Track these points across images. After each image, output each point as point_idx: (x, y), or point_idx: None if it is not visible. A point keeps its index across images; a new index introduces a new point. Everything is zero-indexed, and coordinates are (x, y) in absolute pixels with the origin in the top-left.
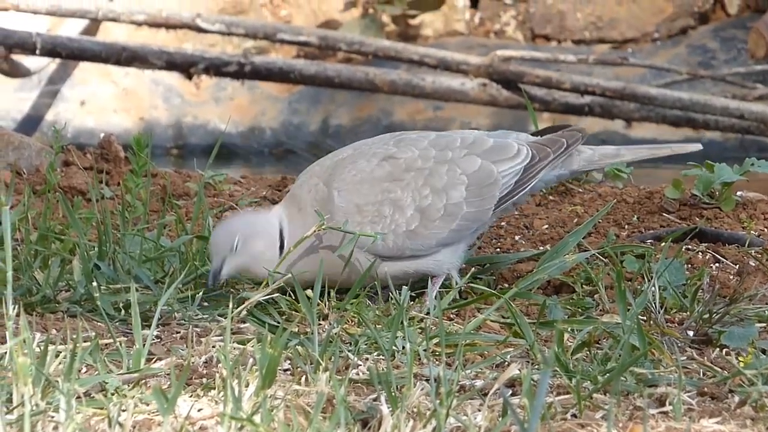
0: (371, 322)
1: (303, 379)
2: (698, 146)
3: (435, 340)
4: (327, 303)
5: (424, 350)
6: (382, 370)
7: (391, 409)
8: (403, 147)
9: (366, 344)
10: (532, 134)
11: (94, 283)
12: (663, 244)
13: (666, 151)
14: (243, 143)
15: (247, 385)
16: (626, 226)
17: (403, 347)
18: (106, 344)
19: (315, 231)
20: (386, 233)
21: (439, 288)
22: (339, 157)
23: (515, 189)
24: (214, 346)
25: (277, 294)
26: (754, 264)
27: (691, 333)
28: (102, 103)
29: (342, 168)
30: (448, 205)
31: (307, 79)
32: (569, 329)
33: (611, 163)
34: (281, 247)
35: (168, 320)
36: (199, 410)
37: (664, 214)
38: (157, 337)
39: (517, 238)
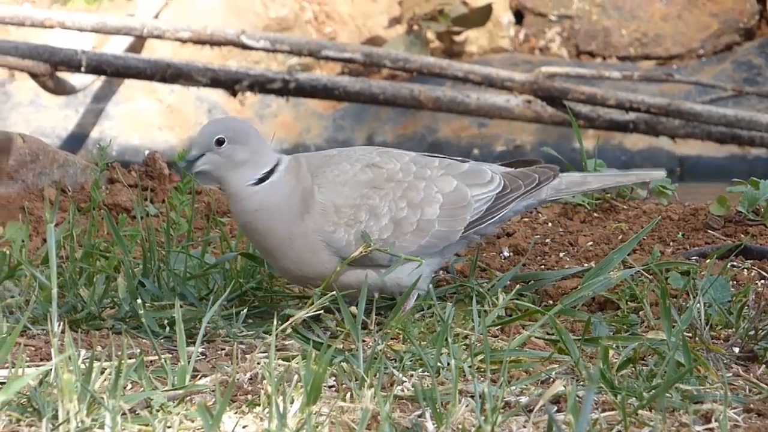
0: (416, 338)
1: (348, 395)
2: (662, 173)
3: (480, 357)
4: (372, 319)
5: (469, 366)
6: (427, 386)
7: (436, 425)
8: (386, 158)
9: (411, 361)
10: (504, 165)
11: (139, 300)
12: (708, 260)
13: (631, 178)
14: None
15: (291, 402)
16: (671, 243)
17: (448, 364)
18: (151, 361)
19: (362, 252)
20: (358, 239)
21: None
22: (327, 156)
23: (485, 215)
24: (259, 363)
25: (322, 311)
26: None
27: (736, 349)
28: (147, 120)
29: (326, 166)
30: (422, 220)
31: (352, 96)
32: (614, 346)
33: (578, 191)
34: (262, 180)
35: (213, 337)
36: (244, 427)
37: (709, 231)
38: (202, 353)
39: (561, 254)
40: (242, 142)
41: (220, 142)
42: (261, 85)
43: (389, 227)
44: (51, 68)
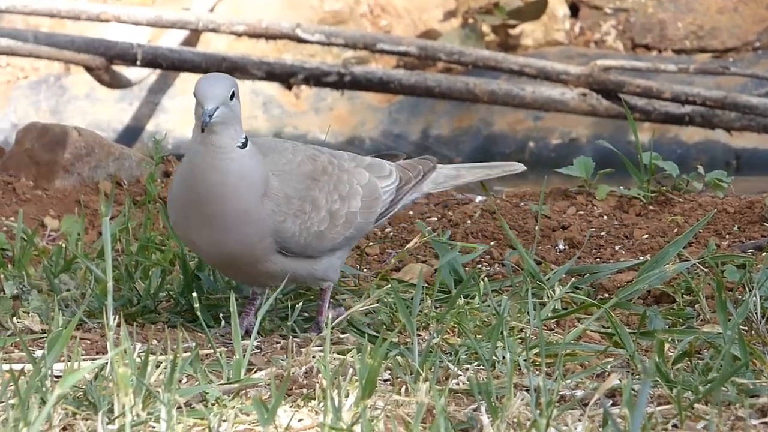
0: (471, 332)
1: (403, 389)
2: (522, 167)
3: (535, 350)
4: (427, 313)
5: (524, 360)
6: (483, 380)
7: (491, 419)
8: (313, 150)
9: (466, 354)
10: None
11: (195, 294)
12: (764, 253)
13: (497, 170)
14: None
15: (347, 396)
16: (727, 236)
17: (504, 357)
18: (206, 354)
19: (416, 242)
20: (302, 230)
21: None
22: (266, 139)
23: (389, 207)
24: (314, 357)
25: (378, 304)
26: None
27: None
28: None
29: (272, 151)
30: (349, 212)
31: (407, 89)
32: (670, 339)
33: (454, 184)
34: (243, 146)
35: (268, 331)
36: (299, 420)
37: (765, 224)
38: (257, 347)
39: (617, 247)
40: (238, 97)
41: (233, 96)
42: (316, 79)
43: (326, 219)
44: (107, 62)
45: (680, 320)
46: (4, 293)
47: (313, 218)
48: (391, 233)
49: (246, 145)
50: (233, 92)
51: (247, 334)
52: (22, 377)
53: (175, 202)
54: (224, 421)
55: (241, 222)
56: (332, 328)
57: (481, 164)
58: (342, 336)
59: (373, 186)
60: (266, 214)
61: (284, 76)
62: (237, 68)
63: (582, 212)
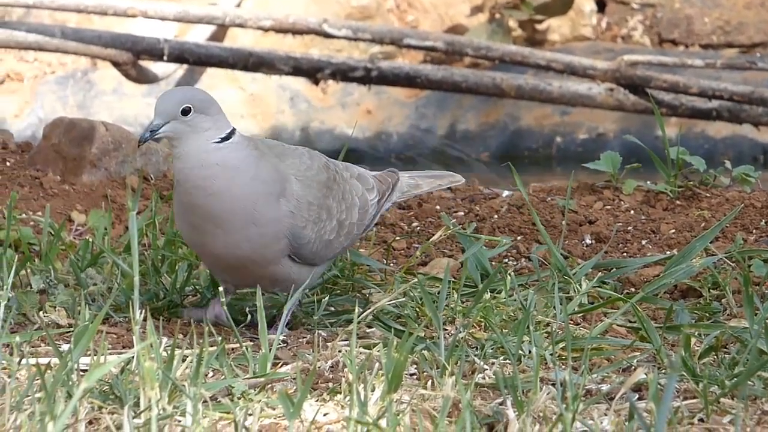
0: (498, 326)
1: (429, 383)
2: (462, 180)
3: (561, 345)
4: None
5: (551, 354)
6: (509, 374)
7: (517, 413)
8: (318, 156)
9: (492, 348)
10: None
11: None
12: None
13: (445, 181)
14: (370, 148)
15: (373, 390)
16: (754, 231)
17: (530, 351)
18: (232, 349)
19: (441, 235)
20: (317, 237)
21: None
22: (276, 142)
23: (371, 221)
24: (340, 351)
25: (404, 298)
26: None
27: None
28: (229, 108)
29: (289, 156)
30: (350, 223)
31: (434, 84)
32: (696, 334)
33: (415, 193)
34: (224, 140)
35: (294, 325)
36: (324, 414)
37: None
38: (283, 341)
39: (643, 242)
40: (205, 112)
41: (185, 112)
42: (343, 74)
43: (335, 229)
44: (133, 57)
45: (707, 315)
46: (31, 287)
47: (326, 226)
48: (418, 227)
49: (230, 138)
50: (187, 108)
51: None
52: (49, 371)
53: (177, 213)
54: (250, 415)
55: (253, 219)
56: (358, 322)
57: (431, 173)
58: (368, 330)
59: (364, 198)
60: (283, 215)
61: (311, 71)
62: (264, 63)
63: (609, 207)
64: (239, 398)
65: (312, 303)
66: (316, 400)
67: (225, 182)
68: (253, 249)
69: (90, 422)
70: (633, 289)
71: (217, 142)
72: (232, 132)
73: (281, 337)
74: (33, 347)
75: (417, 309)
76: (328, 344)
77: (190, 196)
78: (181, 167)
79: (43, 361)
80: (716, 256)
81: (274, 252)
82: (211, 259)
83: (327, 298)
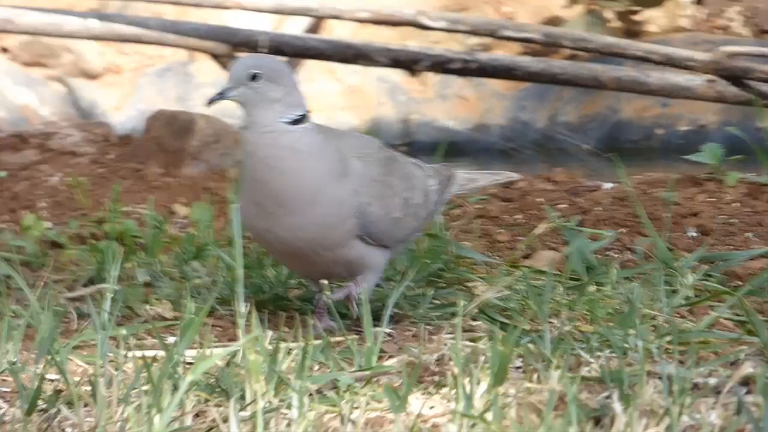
0: (603, 319)
1: (534, 376)
2: (516, 175)
3: (667, 338)
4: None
5: (657, 348)
6: (615, 367)
7: (623, 406)
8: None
9: (598, 342)
10: None
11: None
12: None
13: (502, 177)
14: (469, 140)
15: (478, 383)
16: None
17: (636, 345)
18: (337, 342)
19: (544, 228)
20: (385, 214)
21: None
22: (333, 128)
23: (434, 207)
24: (445, 344)
25: (509, 291)
26: None
27: None
28: (328, 100)
29: (347, 137)
30: (415, 203)
31: (533, 76)
32: None
33: (472, 186)
34: (295, 122)
35: (399, 318)
36: (430, 408)
37: None
38: (389, 334)
39: (748, 234)
40: (276, 81)
41: (254, 77)
42: (441, 65)
43: (401, 206)
44: (231, 49)
45: None
46: (137, 280)
47: (392, 203)
48: (521, 220)
49: (300, 123)
50: (256, 74)
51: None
52: (155, 364)
53: (243, 194)
54: (356, 408)
55: (312, 202)
56: (463, 315)
57: (488, 171)
58: (473, 323)
59: (425, 182)
60: (348, 194)
61: (409, 63)
62: (361, 55)
63: (712, 199)
64: (345, 391)
65: (417, 296)
66: (422, 394)
67: (292, 165)
68: (321, 231)
69: (196, 415)
70: (739, 282)
71: (288, 122)
72: (305, 116)
73: (386, 331)
74: (139, 340)
75: (522, 302)
76: (434, 337)
77: (255, 170)
78: (249, 138)
79: (150, 353)
80: None
81: (341, 233)
82: (279, 247)
83: (432, 291)
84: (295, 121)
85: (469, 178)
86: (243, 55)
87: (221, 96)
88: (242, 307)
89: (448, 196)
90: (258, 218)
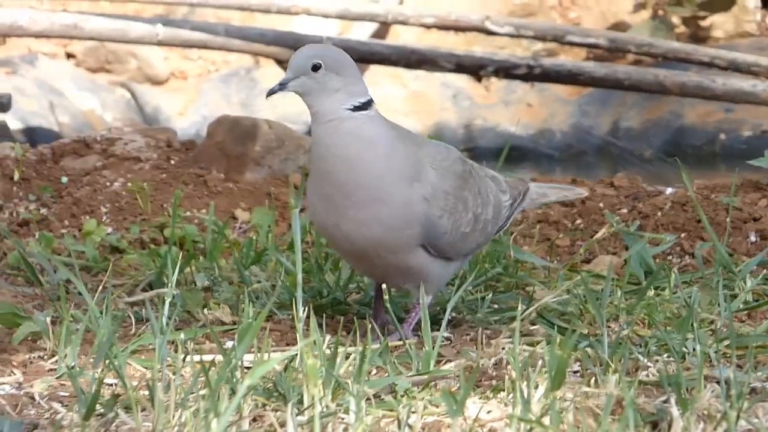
0: (661, 323)
1: (592, 380)
2: (584, 193)
3: (725, 342)
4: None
5: (715, 352)
6: (672, 371)
7: (681, 411)
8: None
9: (656, 346)
10: None
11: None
12: None
13: (572, 194)
14: (532, 145)
15: (536, 387)
16: None
17: (694, 349)
18: (395, 346)
19: (605, 233)
20: (453, 228)
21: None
22: (410, 132)
23: (504, 222)
24: (503, 348)
25: (567, 295)
26: None
27: None
28: (392, 105)
29: (425, 144)
30: (485, 219)
31: (597, 82)
32: None
33: (543, 201)
34: (358, 109)
35: (458, 322)
36: (488, 412)
37: None
38: (447, 339)
39: None
40: (338, 71)
41: (316, 68)
42: (505, 71)
43: (471, 222)
44: None
45: None
46: (196, 285)
47: (462, 218)
48: (582, 225)
49: (364, 110)
50: (317, 64)
51: (383, 328)
52: (213, 368)
53: (310, 188)
54: (413, 412)
55: (383, 198)
56: (522, 319)
57: (557, 185)
58: (532, 327)
59: (498, 198)
60: (417, 200)
61: (473, 69)
62: (426, 60)
63: None
64: (402, 396)
65: (475, 300)
66: (480, 398)
67: (356, 151)
68: (385, 231)
69: (254, 419)
70: None
71: (350, 109)
72: (369, 103)
73: (445, 335)
74: (197, 344)
75: (581, 306)
76: (492, 341)
77: (321, 160)
78: (314, 129)
79: (208, 358)
80: None
81: (406, 238)
82: (344, 244)
83: (490, 295)
84: (358, 108)
85: (540, 192)
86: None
87: (282, 87)
88: (301, 312)
89: (519, 210)
90: (326, 212)
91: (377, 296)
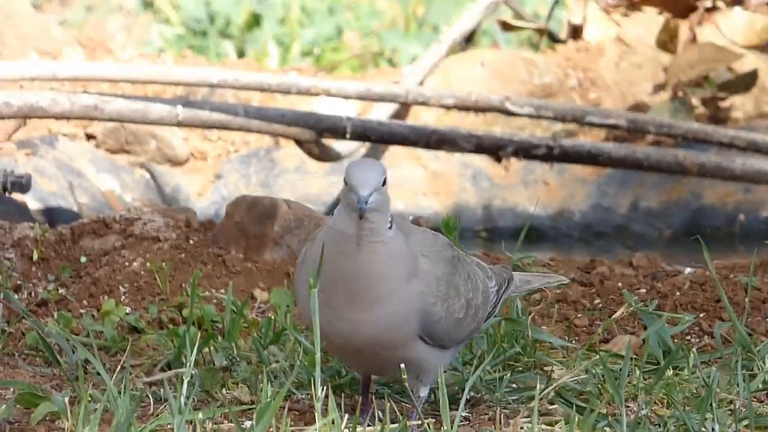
0: (680, 403)
1: None
2: (567, 280)
3: (745, 422)
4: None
5: None
6: None
7: None
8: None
9: (675, 426)
10: None
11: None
12: None
13: (554, 280)
14: (551, 226)
15: None
16: None
17: (713, 429)
18: (414, 425)
19: (623, 312)
20: (447, 314)
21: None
22: (402, 220)
23: (492, 310)
24: (522, 428)
25: (586, 375)
26: None
27: None
28: (411, 186)
29: (415, 233)
30: (476, 304)
31: (616, 162)
32: None
33: (527, 288)
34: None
35: (476, 402)
36: None
37: None
38: (465, 418)
39: None
40: (386, 184)
41: (384, 182)
42: (525, 151)
43: (464, 307)
44: (316, 135)
45: None
46: (214, 364)
47: (455, 304)
48: (600, 304)
49: (392, 226)
50: (384, 179)
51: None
52: None
53: (302, 284)
54: None
55: (387, 300)
56: (540, 398)
57: (541, 274)
58: (550, 407)
59: (486, 284)
60: (415, 295)
61: (493, 149)
62: (446, 141)
63: None
64: None
65: (494, 380)
66: None
67: (382, 268)
68: (381, 330)
69: None
70: None
71: (390, 220)
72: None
73: (463, 414)
74: (216, 424)
75: (599, 386)
76: (510, 421)
77: (342, 268)
78: (348, 247)
79: None
80: None
81: (403, 334)
82: (335, 341)
83: (509, 374)
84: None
85: (524, 280)
86: (363, 162)
87: (367, 204)
88: (319, 391)
89: (504, 298)
90: (322, 314)
91: (365, 388)
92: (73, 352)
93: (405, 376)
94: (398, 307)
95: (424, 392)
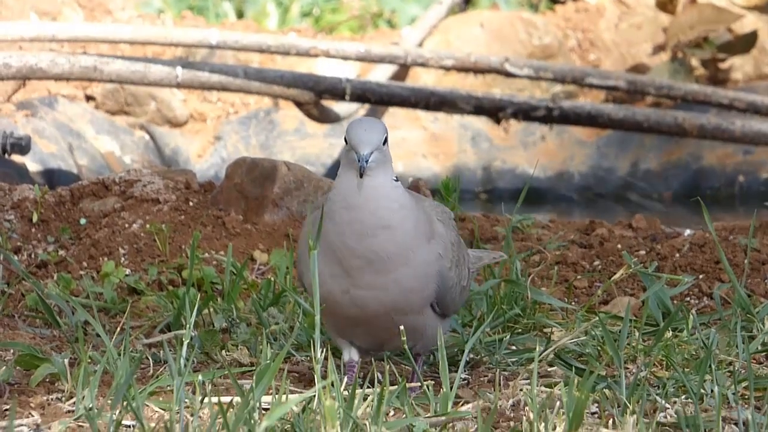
0: (679, 365)
1: (610, 422)
2: (504, 255)
3: (744, 384)
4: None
5: (733, 394)
6: (690, 413)
7: None
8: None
9: (674, 387)
10: None
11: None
12: None
13: (498, 256)
14: (551, 187)
15: (554, 428)
16: None
17: (712, 391)
18: (413, 387)
19: (622, 274)
20: (458, 280)
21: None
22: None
23: (467, 284)
24: (521, 390)
25: (585, 337)
26: None
27: None
28: (411, 147)
29: (423, 199)
30: (467, 275)
31: (616, 124)
32: None
33: (479, 265)
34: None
35: (476, 364)
36: None
37: None
38: (465, 380)
39: None
40: (387, 142)
41: (385, 141)
42: (524, 113)
43: (466, 276)
44: (315, 97)
45: None
46: (214, 326)
47: (462, 270)
48: (599, 266)
49: (398, 181)
50: (385, 137)
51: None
52: (231, 410)
53: (306, 254)
54: None
55: (408, 261)
56: (540, 360)
57: (484, 251)
58: (549, 369)
59: (469, 257)
60: (434, 258)
61: (492, 111)
62: (445, 102)
63: None
64: None
65: (493, 342)
66: None
67: (398, 219)
68: (401, 294)
69: None
70: None
71: (395, 179)
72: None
73: (462, 376)
74: (215, 386)
75: (598, 348)
76: (510, 383)
77: (356, 226)
78: (358, 195)
79: (225, 399)
80: None
81: (421, 298)
82: (349, 311)
83: (508, 336)
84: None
85: (477, 256)
86: (364, 121)
87: (367, 163)
88: (319, 353)
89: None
90: (333, 278)
91: (352, 368)
92: (73, 314)
93: (404, 338)
94: (420, 269)
95: (423, 356)
